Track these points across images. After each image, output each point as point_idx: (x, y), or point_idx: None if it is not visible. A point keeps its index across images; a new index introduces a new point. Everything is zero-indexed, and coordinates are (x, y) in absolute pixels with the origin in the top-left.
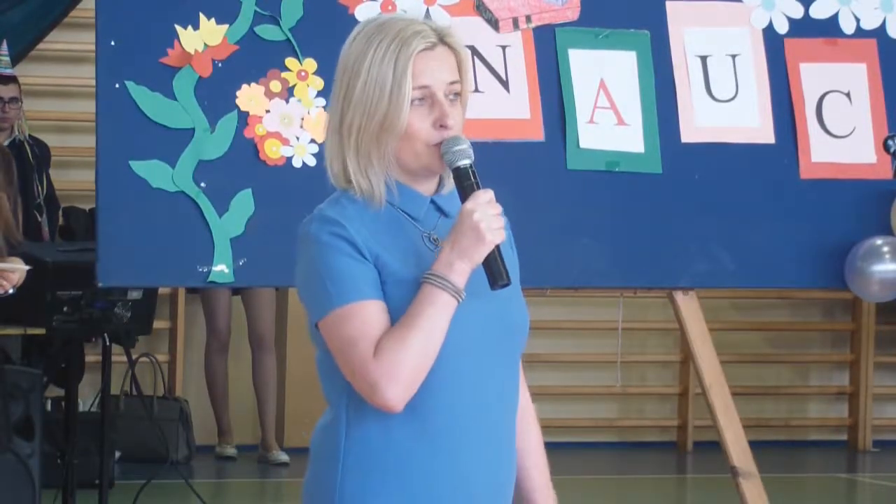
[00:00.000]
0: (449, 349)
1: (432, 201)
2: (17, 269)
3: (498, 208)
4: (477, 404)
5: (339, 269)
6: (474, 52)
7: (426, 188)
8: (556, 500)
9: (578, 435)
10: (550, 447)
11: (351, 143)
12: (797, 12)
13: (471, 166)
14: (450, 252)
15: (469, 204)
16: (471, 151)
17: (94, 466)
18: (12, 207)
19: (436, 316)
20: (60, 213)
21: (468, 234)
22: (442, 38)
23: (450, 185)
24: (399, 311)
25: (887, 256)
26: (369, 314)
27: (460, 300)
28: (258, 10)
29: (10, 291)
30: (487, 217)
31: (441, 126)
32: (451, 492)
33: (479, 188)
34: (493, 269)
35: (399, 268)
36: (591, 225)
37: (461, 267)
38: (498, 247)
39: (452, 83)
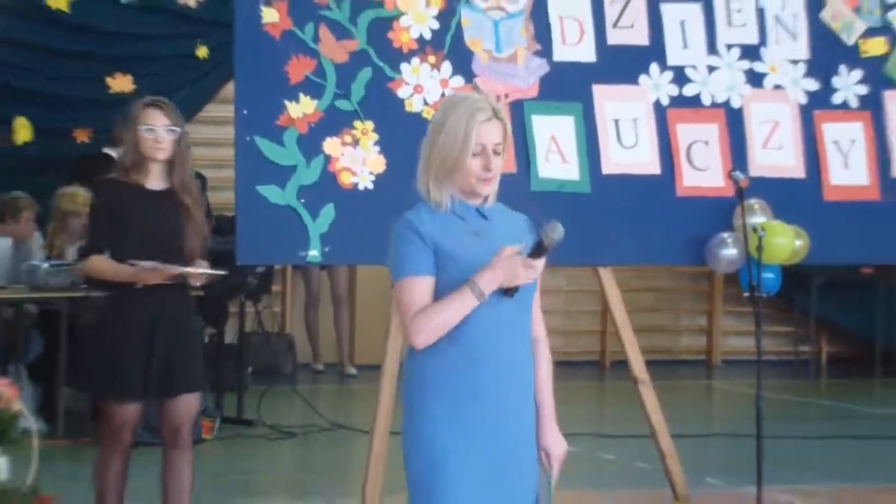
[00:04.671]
0: (478, 308)
1: (477, 210)
2: (202, 273)
3: (526, 263)
4: (498, 337)
5: (405, 251)
6: None
7: (473, 202)
8: (553, 405)
9: (553, 355)
10: None
11: (433, 172)
12: (674, 92)
13: (544, 243)
14: (487, 271)
15: (507, 251)
16: (555, 238)
17: (234, 378)
18: (204, 216)
19: (458, 302)
20: (213, 219)
21: (497, 269)
22: (496, 114)
23: (492, 199)
24: (450, 273)
25: (730, 244)
26: (416, 286)
27: (482, 299)
28: (336, 91)
29: (198, 284)
30: (507, 269)
31: (486, 169)
32: (479, 391)
33: (537, 256)
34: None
35: (451, 249)
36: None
37: (489, 283)
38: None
39: (497, 143)
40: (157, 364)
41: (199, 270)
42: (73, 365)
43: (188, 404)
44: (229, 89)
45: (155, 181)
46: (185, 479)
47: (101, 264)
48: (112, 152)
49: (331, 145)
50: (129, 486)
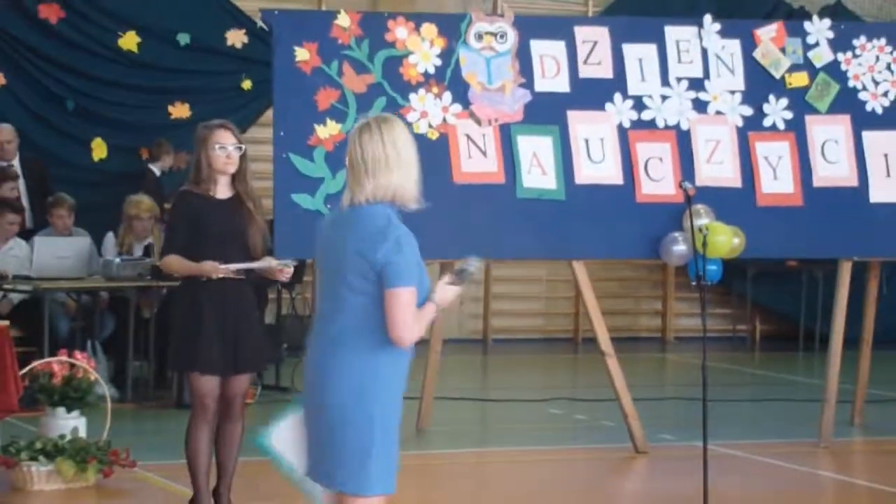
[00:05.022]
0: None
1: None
2: (291, 266)
3: (454, 288)
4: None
5: (412, 261)
6: (470, 137)
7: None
8: None
9: (534, 333)
10: (513, 341)
11: (400, 189)
12: (634, 116)
13: (465, 274)
14: (442, 295)
15: (447, 280)
16: (473, 271)
17: (273, 352)
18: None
19: (429, 315)
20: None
21: (447, 296)
22: None
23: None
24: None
25: (680, 241)
26: (414, 296)
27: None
28: (357, 116)
29: (285, 279)
30: (447, 296)
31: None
32: (404, 377)
33: (458, 281)
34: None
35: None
36: (529, 225)
37: (443, 300)
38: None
39: None
40: (226, 345)
41: (250, 266)
42: (164, 350)
43: (242, 381)
44: (269, 115)
45: (222, 191)
46: (233, 442)
47: (174, 262)
48: (154, 167)
49: None
50: (179, 441)
